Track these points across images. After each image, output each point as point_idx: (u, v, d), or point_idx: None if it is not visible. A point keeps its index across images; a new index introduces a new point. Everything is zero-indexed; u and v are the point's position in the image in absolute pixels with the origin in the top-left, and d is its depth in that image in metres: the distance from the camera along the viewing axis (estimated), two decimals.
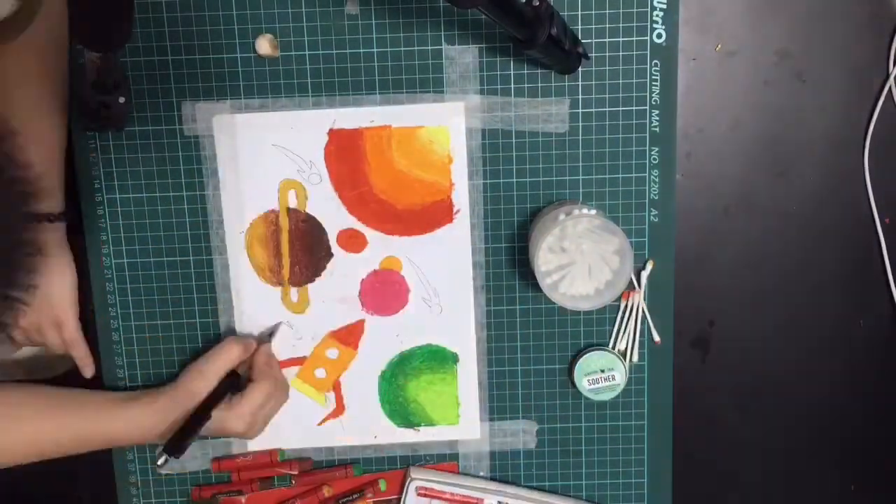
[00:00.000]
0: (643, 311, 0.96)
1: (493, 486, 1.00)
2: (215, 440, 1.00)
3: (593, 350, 0.96)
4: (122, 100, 0.82)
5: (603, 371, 0.97)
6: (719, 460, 1.02)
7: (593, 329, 0.98)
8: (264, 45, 0.90)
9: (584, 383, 0.97)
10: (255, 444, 1.01)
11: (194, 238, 0.96)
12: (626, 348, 0.97)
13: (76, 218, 0.94)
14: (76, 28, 0.66)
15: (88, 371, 0.97)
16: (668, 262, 0.96)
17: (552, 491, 1.02)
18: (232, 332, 0.98)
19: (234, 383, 0.93)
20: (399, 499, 1.01)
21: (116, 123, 0.87)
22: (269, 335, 0.97)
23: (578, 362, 0.96)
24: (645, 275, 0.95)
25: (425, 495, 0.99)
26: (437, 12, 0.90)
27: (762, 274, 0.98)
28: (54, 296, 0.92)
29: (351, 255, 0.97)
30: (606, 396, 0.98)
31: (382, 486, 1.01)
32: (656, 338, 0.97)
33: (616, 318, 0.97)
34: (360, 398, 1.00)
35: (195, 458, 1.01)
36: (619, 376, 0.97)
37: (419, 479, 0.99)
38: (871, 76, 0.94)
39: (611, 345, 0.97)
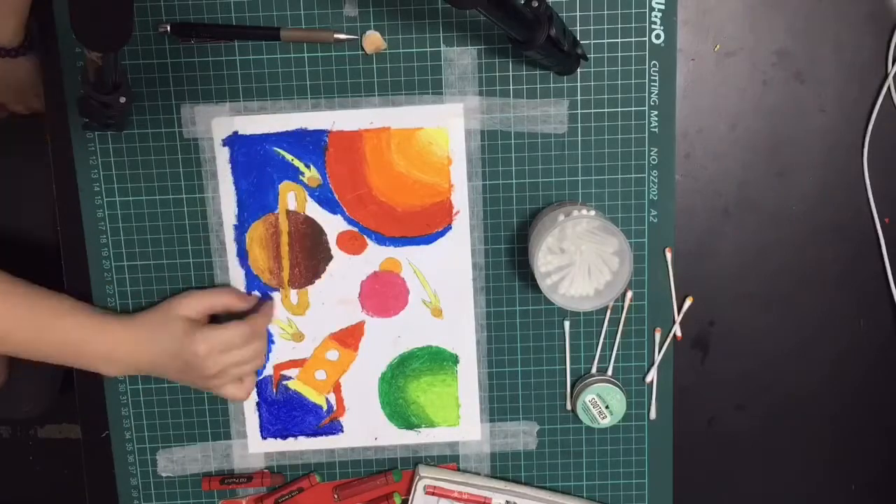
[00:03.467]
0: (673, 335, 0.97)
1: (502, 484, 1.00)
2: (215, 443, 1.00)
3: (598, 381, 0.97)
4: (122, 100, 0.82)
5: (606, 405, 0.97)
6: (719, 460, 1.02)
7: (593, 330, 0.98)
8: (373, 42, 0.90)
9: (582, 413, 0.97)
10: (254, 448, 1.01)
11: (194, 241, 0.96)
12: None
13: (45, 50, 0.94)
14: (76, 28, 0.66)
15: None
16: (667, 263, 0.96)
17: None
18: None
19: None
20: (407, 499, 1.01)
21: (117, 123, 0.87)
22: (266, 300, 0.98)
23: (582, 394, 0.96)
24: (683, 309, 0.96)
25: (433, 493, 0.99)
26: (435, 14, 0.90)
27: (762, 274, 0.98)
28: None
29: (351, 257, 0.97)
30: (604, 425, 0.98)
31: (397, 499, 1.01)
32: (678, 333, 0.98)
33: (620, 318, 0.97)
34: (360, 400, 1.00)
35: (195, 459, 1.01)
36: (618, 406, 0.97)
37: (427, 477, 0.99)
38: (870, 76, 0.94)
39: (609, 367, 0.98)
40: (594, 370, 0.99)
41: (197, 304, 0.93)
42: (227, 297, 0.95)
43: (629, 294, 0.96)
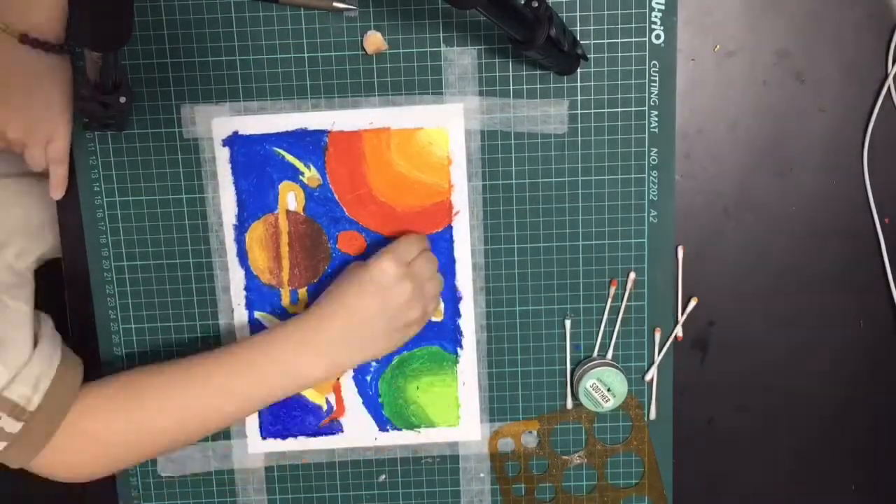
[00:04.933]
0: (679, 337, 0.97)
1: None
2: (215, 443, 1.00)
3: (597, 366, 0.96)
4: (122, 99, 0.82)
5: (607, 388, 0.97)
6: (719, 460, 1.02)
7: (593, 330, 0.98)
8: (374, 43, 0.90)
9: (585, 399, 0.97)
10: (254, 448, 1.01)
11: (194, 240, 0.96)
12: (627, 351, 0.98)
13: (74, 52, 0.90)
14: (76, 28, 0.66)
15: (59, 192, 0.93)
16: (666, 263, 0.96)
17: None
18: (232, 333, 0.98)
19: None
20: None
21: (117, 123, 0.87)
22: None
23: (582, 380, 0.96)
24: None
25: None
26: (435, 14, 0.90)
27: (762, 274, 0.98)
28: (54, 108, 0.88)
29: (350, 257, 0.97)
30: (608, 408, 0.98)
31: None
32: (679, 334, 0.98)
33: (616, 320, 0.97)
34: (360, 400, 1.00)
35: (195, 459, 1.01)
36: (620, 388, 0.97)
37: None
38: (870, 76, 0.94)
39: (609, 354, 0.98)
40: (594, 356, 0.99)
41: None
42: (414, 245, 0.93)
43: (632, 276, 0.96)
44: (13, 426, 0.84)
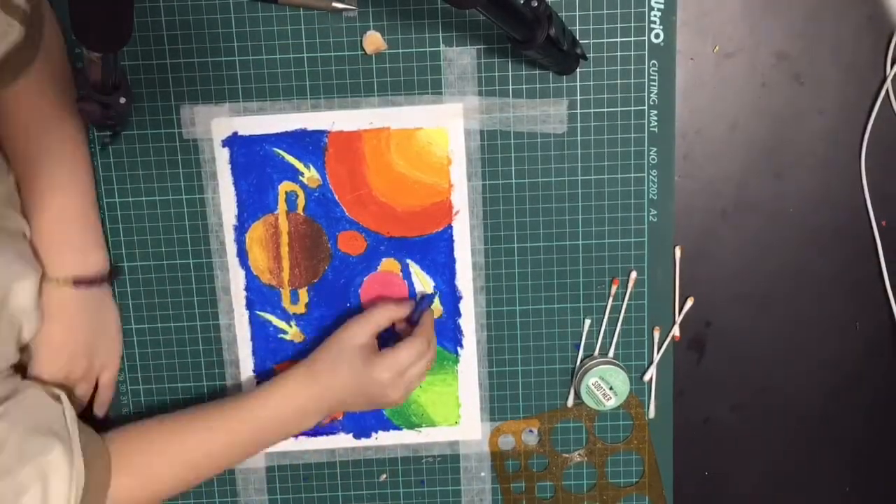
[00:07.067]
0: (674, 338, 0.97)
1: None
2: None
3: (599, 364, 0.97)
4: (122, 100, 0.82)
5: (609, 387, 0.97)
6: (717, 461, 1.03)
7: (594, 329, 0.98)
8: (374, 42, 0.90)
9: (586, 397, 0.97)
10: None
11: (194, 241, 0.96)
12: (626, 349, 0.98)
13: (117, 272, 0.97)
14: (76, 28, 0.66)
15: (103, 411, 0.97)
16: (666, 262, 0.96)
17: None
18: (232, 333, 0.98)
19: None
20: None
21: (117, 123, 0.87)
22: (424, 300, 0.96)
23: (584, 378, 0.97)
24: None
25: None
26: (435, 13, 0.91)
27: (759, 275, 0.98)
28: (110, 334, 0.96)
29: (350, 257, 0.97)
30: (610, 406, 0.98)
31: None
32: (677, 334, 0.98)
33: (618, 319, 0.98)
34: None
35: None
36: (622, 387, 0.97)
37: None
38: (868, 78, 0.94)
39: (610, 353, 0.98)
40: (596, 354, 0.99)
41: (365, 331, 0.92)
42: (389, 313, 0.93)
43: (633, 275, 0.96)
44: None
